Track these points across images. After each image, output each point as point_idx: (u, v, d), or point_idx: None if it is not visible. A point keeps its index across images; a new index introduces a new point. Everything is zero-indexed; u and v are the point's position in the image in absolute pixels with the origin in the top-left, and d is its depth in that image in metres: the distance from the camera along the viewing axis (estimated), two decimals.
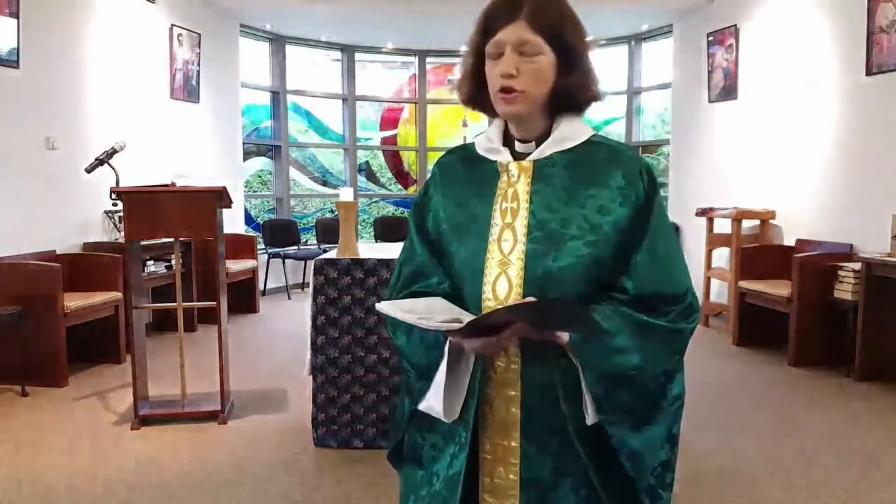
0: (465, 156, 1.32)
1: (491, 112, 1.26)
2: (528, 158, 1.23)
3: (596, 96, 1.24)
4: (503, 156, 1.25)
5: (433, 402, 1.20)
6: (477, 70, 1.24)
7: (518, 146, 1.26)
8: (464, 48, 1.30)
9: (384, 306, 1.14)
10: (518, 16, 1.16)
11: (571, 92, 1.21)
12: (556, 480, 1.19)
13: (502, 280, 1.18)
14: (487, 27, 1.19)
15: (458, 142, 8.93)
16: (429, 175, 1.37)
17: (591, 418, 1.14)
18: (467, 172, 1.29)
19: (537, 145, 1.24)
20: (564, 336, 1.12)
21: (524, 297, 1.16)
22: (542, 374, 1.18)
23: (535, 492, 1.20)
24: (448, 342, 1.17)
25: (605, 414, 1.14)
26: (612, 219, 1.18)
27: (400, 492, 1.37)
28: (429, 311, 1.12)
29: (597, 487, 1.18)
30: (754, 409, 3.92)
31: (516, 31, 1.16)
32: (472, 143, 1.33)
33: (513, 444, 1.20)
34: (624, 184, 1.20)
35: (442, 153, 1.37)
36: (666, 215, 1.24)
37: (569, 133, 1.23)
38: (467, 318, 1.09)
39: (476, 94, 1.26)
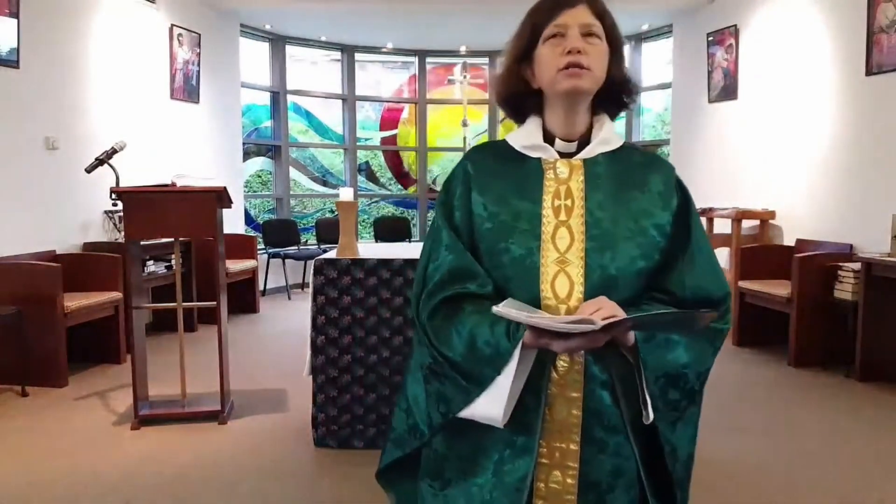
0: (496, 152, 1.26)
1: (525, 113, 1.26)
2: (577, 157, 1.22)
3: (634, 100, 1.26)
4: (549, 153, 1.22)
5: (488, 407, 1.11)
6: (520, 64, 1.21)
7: (559, 145, 1.23)
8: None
9: (503, 310, 1.02)
10: (579, 1, 1.18)
11: (619, 87, 1.22)
12: (613, 482, 1.18)
13: (562, 278, 1.15)
14: (547, 13, 1.18)
15: (457, 142, 8.92)
16: (452, 172, 1.29)
17: (649, 417, 1.13)
18: (503, 169, 1.23)
19: (578, 145, 1.23)
20: (631, 335, 1.11)
21: (586, 297, 1.13)
22: (602, 374, 1.16)
23: (593, 494, 1.17)
24: (521, 344, 1.08)
25: (658, 412, 1.14)
26: (655, 222, 1.19)
27: None
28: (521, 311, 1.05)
29: (645, 485, 1.19)
30: (754, 409, 3.92)
31: (580, 14, 1.17)
32: (502, 141, 1.29)
33: (572, 447, 1.16)
34: (663, 189, 1.22)
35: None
36: (700, 222, 1.25)
37: (609, 135, 1.23)
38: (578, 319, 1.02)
39: (516, 90, 1.23)
